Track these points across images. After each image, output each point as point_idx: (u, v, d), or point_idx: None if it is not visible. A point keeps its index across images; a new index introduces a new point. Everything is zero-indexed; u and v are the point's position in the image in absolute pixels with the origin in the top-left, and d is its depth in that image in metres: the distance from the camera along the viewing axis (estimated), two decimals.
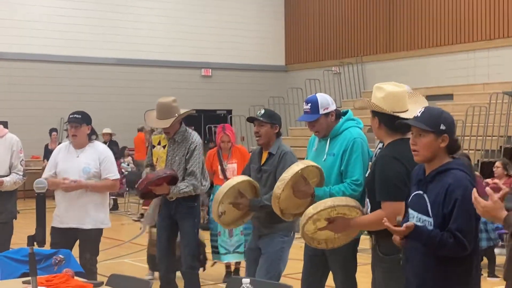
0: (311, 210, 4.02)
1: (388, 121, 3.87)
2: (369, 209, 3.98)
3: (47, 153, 14.54)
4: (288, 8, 21.87)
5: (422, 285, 3.34)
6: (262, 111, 5.11)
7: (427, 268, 3.31)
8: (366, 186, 4.09)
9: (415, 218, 3.35)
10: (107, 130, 15.19)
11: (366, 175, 4.26)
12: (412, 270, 3.39)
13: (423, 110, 3.40)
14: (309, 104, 4.59)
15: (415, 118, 3.36)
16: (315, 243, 4.20)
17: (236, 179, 5.04)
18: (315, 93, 4.82)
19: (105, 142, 13.23)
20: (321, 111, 4.55)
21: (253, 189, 5.00)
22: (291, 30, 21.77)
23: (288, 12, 21.87)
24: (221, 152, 7.64)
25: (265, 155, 5.10)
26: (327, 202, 4.02)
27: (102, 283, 4.20)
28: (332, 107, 4.61)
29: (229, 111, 20.82)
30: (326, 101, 4.60)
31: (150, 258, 7.51)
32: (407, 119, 3.59)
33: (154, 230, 6.73)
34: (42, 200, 3.27)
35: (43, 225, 3.31)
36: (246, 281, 3.23)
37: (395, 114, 3.87)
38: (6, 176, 5.84)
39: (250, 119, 5.15)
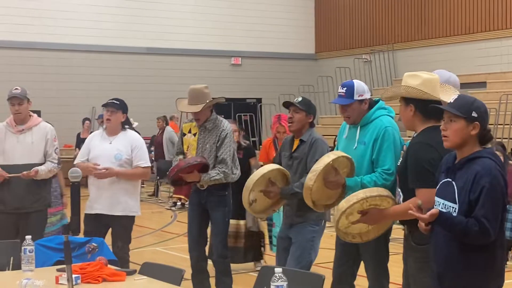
0: (343, 204, 4.00)
1: (424, 107, 3.84)
2: (401, 199, 3.95)
3: (79, 142, 14.65)
4: None
5: (446, 271, 3.34)
6: (300, 99, 5.12)
7: (451, 255, 3.31)
8: (398, 175, 4.06)
9: (441, 205, 3.35)
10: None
11: (398, 163, 4.23)
12: (436, 257, 3.38)
13: (456, 96, 3.43)
14: (345, 88, 4.59)
15: (448, 104, 3.39)
16: (350, 238, 4.18)
17: (267, 167, 5.04)
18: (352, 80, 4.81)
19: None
20: (356, 97, 4.55)
21: (284, 177, 5.01)
22: (321, 17, 21.64)
23: None
24: (277, 141, 7.71)
25: (296, 143, 5.10)
26: (359, 194, 3.99)
27: (135, 271, 4.24)
28: (367, 95, 4.61)
29: (259, 100, 20.81)
30: (362, 88, 4.60)
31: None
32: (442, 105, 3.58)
33: (242, 222, 6.71)
34: (76, 189, 3.30)
35: (77, 213, 3.35)
36: (278, 270, 3.22)
37: (436, 99, 3.84)
38: (41, 164, 5.91)
39: (286, 104, 5.14)
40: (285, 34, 21.28)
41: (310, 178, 4.36)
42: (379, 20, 19.71)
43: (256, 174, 4.94)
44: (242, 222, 7.45)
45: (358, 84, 4.62)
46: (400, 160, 4.11)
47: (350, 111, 4.58)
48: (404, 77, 4.03)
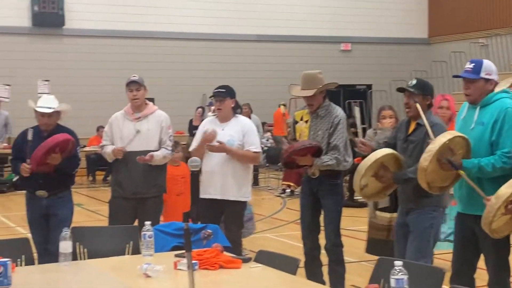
0: (494, 204, 3.89)
1: None
2: None
3: (192, 128, 14.93)
4: None
5: None
6: (414, 82, 4.95)
7: None
8: None
9: None
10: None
11: None
12: None
13: None
14: (473, 64, 4.47)
15: None
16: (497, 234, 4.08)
17: (381, 152, 4.91)
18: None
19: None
20: (482, 74, 4.41)
21: (397, 162, 4.88)
22: (434, 0, 20.98)
23: None
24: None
25: (412, 125, 4.95)
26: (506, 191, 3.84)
27: (250, 258, 4.26)
28: (494, 77, 4.45)
29: (369, 86, 20.50)
30: (490, 68, 4.46)
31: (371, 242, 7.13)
32: None
33: (379, 213, 6.60)
34: (196, 178, 3.35)
35: (197, 202, 3.39)
36: (398, 263, 3.12)
37: None
38: (156, 151, 6.06)
39: (401, 89, 5.00)
40: (396, 18, 20.81)
41: (425, 159, 4.25)
42: (496, 1, 18.87)
43: (369, 159, 4.83)
44: (395, 215, 7.20)
45: (487, 63, 4.48)
46: None
47: (473, 88, 4.43)
48: None
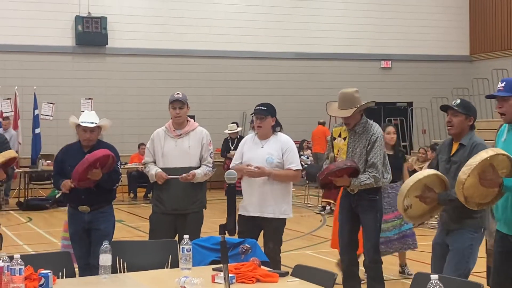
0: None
1: None
2: None
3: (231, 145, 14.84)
4: None
5: None
6: (458, 101, 4.93)
7: None
8: None
9: None
10: (232, 128, 13.75)
11: None
12: None
13: None
14: (504, 83, 4.43)
15: None
16: None
17: (424, 172, 4.88)
18: None
19: (232, 140, 13.01)
20: None
21: (441, 183, 4.82)
22: (476, 17, 20.80)
23: None
24: None
25: (455, 146, 4.91)
26: None
27: (287, 273, 4.27)
28: None
29: (410, 104, 20.37)
30: None
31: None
32: None
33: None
34: (232, 191, 3.37)
35: (233, 214, 3.41)
36: (434, 277, 3.11)
37: None
38: (197, 168, 6.13)
39: (444, 108, 4.98)
40: (437, 35, 20.69)
41: (464, 172, 4.20)
42: None
43: (411, 180, 4.80)
44: None
45: None
46: None
47: (506, 107, 4.37)
48: None
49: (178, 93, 6.21)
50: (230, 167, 6.13)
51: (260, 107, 6.01)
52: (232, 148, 13.03)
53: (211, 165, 6.20)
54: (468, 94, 17.80)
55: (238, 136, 13.24)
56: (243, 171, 5.90)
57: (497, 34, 20.03)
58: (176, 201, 6.09)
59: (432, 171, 4.85)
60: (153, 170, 6.16)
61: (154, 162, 6.22)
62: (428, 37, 20.56)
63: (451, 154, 4.90)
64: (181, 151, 6.13)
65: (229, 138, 13.14)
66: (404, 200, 4.75)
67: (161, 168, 6.13)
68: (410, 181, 4.77)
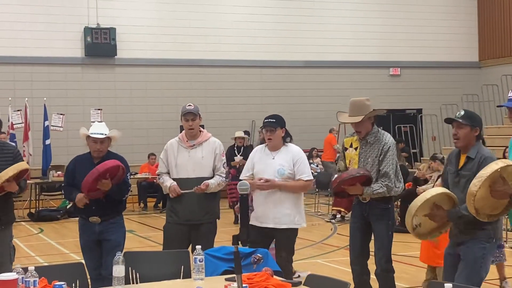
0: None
1: None
2: None
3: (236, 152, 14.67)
4: (481, 1, 20.88)
5: None
6: (462, 112, 4.86)
7: None
8: None
9: None
10: (239, 134, 13.58)
11: None
12: None
13: None
14: None
15: None
16: None
17: (432, 191, 4.83)
18: None
19: (239, 148, 12.93)
20: None
21: (450, 200, 4.76)
22: (485, 24, 20.76)
23: (481, 5, 20.87)
24: None
25: (463, 159, 4.85)
26: None
27: (300, 282, 4.27)
28: None
29: (419, 111, 20.34)
30: None
31: None
32: None
33: None
34: (245, 201, 3.39)
35: (246, 225, 3.42)
36: (448, 286, 3.11)
37: None
38: (210, 178, 6.13)
39: (448, 121, 4.94)
40: (446, 42, 20.66)
41: (475, 184, 4.19)
42: None
43: (419, 199, 4.76)
44: None
45: None
46: None
47: None
48: None
49: (190, 105, 6.21)
50: (240, 178, 6.13)
51: (269, 120, 6.00)
52: (238, 155, 12.90)
53: (224, 175, 6.20)
54: (478, 101, 17.77)
55: (245, 145, 13.19)
56: (253, 185, 5.91)
57: (506, 40, 19.98)
58: (190, 212, 6.10)
59: (440, 190, 4.80)
60: (167, 182, 6.17)
61: (168, 173, 6.24)
62: (437, 43, 20.53)
63: (459, 167, 4.86)
64: (194, 161, 6.14)
65: (235, 145, 13.10)
66: (413, 219, 4.73)
67: (174, 179, 6.15)
68: (418, 200, 4.73)
